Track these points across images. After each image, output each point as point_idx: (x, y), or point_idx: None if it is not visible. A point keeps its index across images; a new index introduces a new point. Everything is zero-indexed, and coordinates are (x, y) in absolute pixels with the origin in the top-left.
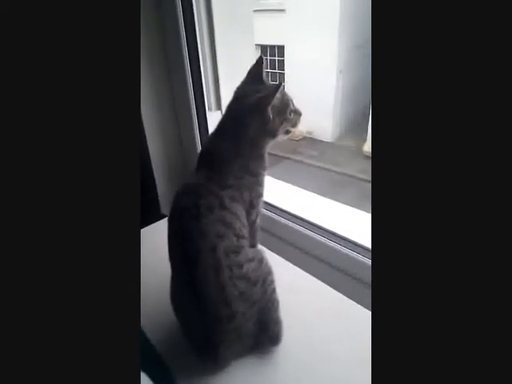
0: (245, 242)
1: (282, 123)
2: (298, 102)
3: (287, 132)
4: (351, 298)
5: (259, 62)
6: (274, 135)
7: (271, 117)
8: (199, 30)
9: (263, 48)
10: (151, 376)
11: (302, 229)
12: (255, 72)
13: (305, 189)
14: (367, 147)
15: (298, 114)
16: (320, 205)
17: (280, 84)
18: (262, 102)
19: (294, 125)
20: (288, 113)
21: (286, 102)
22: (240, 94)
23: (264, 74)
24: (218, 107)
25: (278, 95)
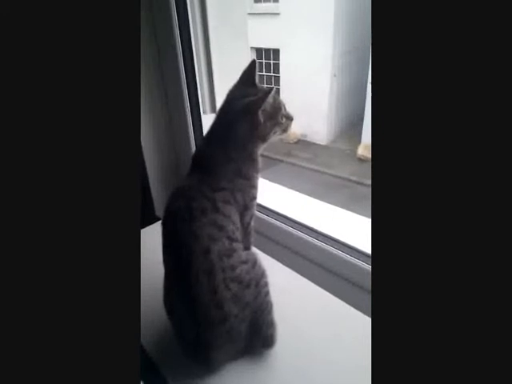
0: (238, 245)
1: (273, 127)
2: (292, 106)
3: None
4: (346, 302)
5: (252, 65)
6: (264, 139)
7: (262, 121)
8: (194, 33)
9: (258, 51)
10: (144, 381)
11: (295, 231)
12: (248, 75)
13: (298, 191)
14: (361, 150)
15: (289, 118)
16: (313, 207)
17: (271, 88)
18: (252, 106)
19: (285, 129)
20: (279, 117)
21: (277, 107)
22: (231, 98)
23: (257, 78)
24: (213, 110)
25: (269, 99)
